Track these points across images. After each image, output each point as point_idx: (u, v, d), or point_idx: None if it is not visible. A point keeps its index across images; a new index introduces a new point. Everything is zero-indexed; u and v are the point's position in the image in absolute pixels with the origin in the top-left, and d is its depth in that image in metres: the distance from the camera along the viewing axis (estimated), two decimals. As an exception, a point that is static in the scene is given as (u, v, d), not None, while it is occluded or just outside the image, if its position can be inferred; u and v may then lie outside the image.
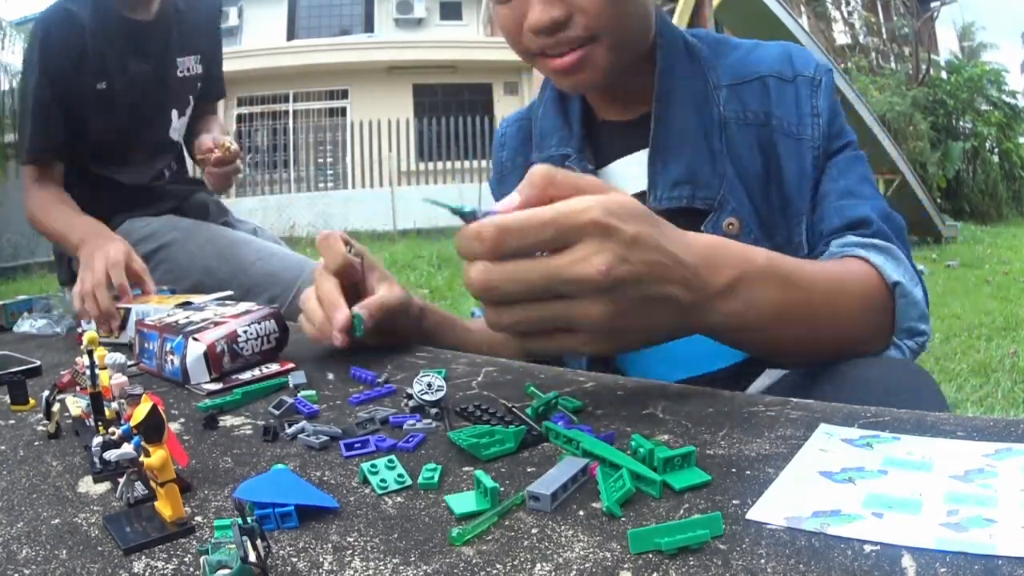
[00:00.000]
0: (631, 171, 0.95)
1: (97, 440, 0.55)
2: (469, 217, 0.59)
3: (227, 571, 0.39)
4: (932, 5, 13.34)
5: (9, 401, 0.73)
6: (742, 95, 0.93)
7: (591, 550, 0.43)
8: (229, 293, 1.13)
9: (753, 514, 0.45)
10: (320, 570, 0.42)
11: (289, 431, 0.62)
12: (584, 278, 0.56)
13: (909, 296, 0.79)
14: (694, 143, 0.91)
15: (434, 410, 0.65)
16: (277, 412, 0.67)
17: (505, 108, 13.12)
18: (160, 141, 1.65)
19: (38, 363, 0.76)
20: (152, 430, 0.46)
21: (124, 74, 1.53)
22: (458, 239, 0.59)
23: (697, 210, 0.89)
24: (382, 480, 0.52)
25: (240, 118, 12.54)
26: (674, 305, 0.62)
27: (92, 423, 0.62)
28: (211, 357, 0.80)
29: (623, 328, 0.60)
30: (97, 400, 0.61)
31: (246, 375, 0.81)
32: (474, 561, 0.42)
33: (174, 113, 1.66)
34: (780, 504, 0.46)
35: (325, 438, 0.60)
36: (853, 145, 0.93)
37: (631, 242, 0.58)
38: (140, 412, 0.46)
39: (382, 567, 0.42)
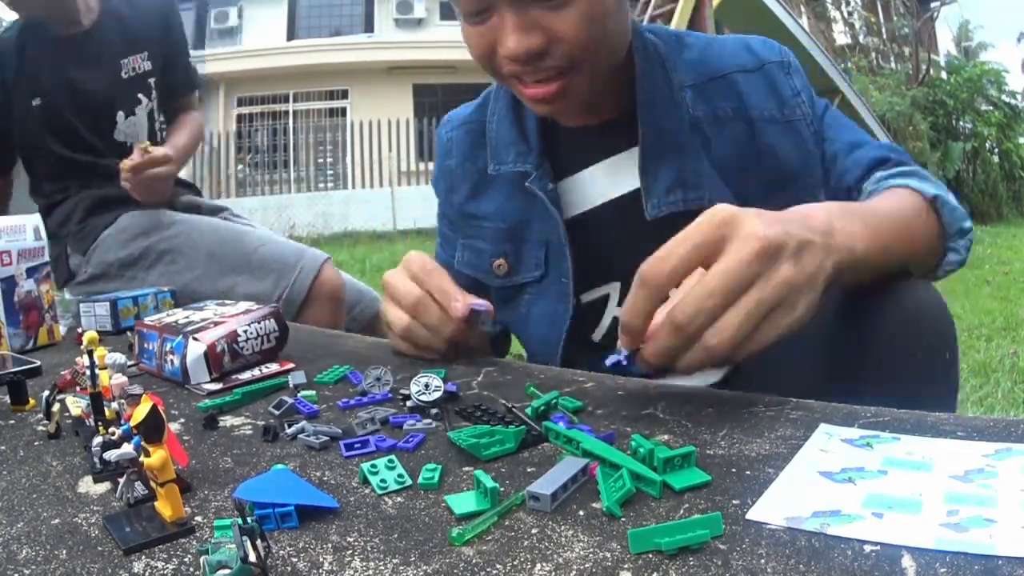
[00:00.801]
0: (597, 181, 0.93)
1: (97, 440, 0.55)
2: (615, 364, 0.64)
3: (227, 571, 0.39)
4: (932, 5, 13.34)
5: (9, 401, 0.74)
6: (709, 95, 0.91)
7: (591, 550, 0.43)
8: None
9: (753, 514, 0.45)
10: (320, 570, 0.42)
11: (289, 431, 0.62)
12: (753, 253, 0.58)
13: (949, 203, 0.82)
14: (676, 146, 0.89)
15: (434, 410, 0.65)
16: (277, 412, 0.67)
17: (505, 108, 13.07)
18: (106, 145, 1.65)
19: (38, 363, 0.76)
20: (152, 430, 0.46)
21: (59, 88, 1.57)
22: (624, 315, 0.62)
23: (688, 212, 0.86)
24: (382, 480, 0.52)
25: (240, 118, 12.53)
26: (818, 243, 0.62)
27: (92, 423, 0.62)
28: (211, 357, 0.80)
29: (809, 277, 0.61)
30: (97, 400, 0.61)
31: (246, 375, 0.82)
32: (474, 561, 0.42)
33: (120, 115, 1.67)
34: (780, 504, 0.46)
35: (325, 438, 0.60)
36: (826, 103, 0.96)
37: (758, 213, 0.61)
38: (140, 412, 0.46)
39: (382, 567, 0.42)
